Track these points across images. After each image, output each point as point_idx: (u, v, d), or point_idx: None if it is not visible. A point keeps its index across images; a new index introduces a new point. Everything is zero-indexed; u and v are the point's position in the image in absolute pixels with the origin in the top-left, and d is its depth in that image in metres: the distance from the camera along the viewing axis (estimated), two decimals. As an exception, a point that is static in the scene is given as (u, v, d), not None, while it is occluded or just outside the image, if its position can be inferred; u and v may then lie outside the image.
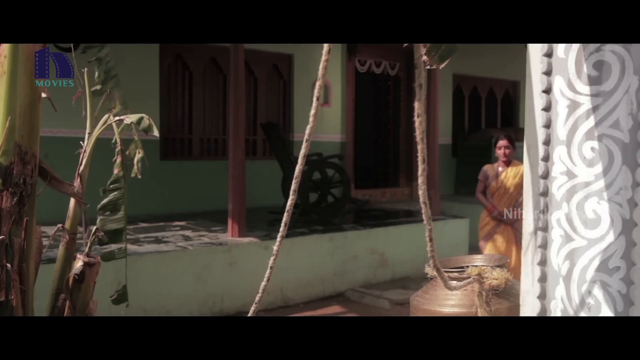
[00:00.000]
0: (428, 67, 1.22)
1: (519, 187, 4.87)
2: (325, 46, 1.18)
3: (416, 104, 1.18)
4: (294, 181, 1.33)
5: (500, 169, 5.27)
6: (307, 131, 1.23)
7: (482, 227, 5.31)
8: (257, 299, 1.55)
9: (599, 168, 1.41)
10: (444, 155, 9.57)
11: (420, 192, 1.29)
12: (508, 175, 5.20)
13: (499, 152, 5.25)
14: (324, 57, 1.18)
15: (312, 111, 1.22)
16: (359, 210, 7.63)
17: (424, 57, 1.19)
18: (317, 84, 1.21)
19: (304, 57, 8.42)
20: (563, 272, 1.47)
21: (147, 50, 7.14)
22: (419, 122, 1.19)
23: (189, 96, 7.81)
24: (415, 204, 8.31)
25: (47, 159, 2.28)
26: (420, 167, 1.26)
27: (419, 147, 1.24)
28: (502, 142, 5.25)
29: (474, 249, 6.66)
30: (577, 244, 1.45)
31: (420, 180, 1.28)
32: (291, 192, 1.38)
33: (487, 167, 5.39)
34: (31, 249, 1.99)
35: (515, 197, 5.13)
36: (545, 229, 1.50)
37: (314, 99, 1.22)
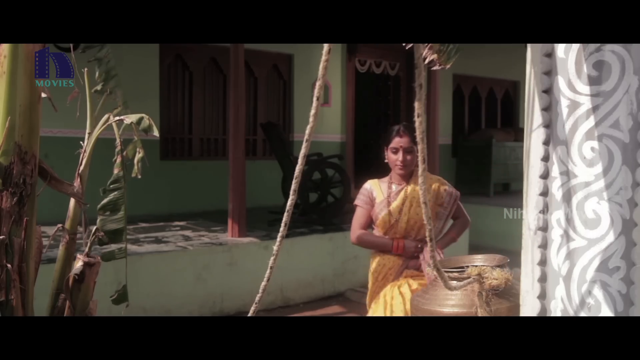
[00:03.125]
0: (436, 67, 1.22)
1: (431, 219, 2.48)
2: (325, 46, 1.18)
3: (416, 104, 1.18)
4: (294, 181, 1.33)
5: (394, 187, 2.97)
6: (307, 131, 1.23)
7: (374, 286, 3.12)
8: (257, 299, 1.55)
9: (599, 168, 1.41)
10: (444, 155, 9.57)
11: (420, 192, 1.29)
12: (408, 198, 2.91)
13: (393, 158, 2.93)
14: (324, 57, 1.17)
15: (312, 111, 1.22)
16: (359, 210, 7.61)
17: (434, 57, 1.19)
18: (317, 84, 1.21)
19: (304, 57, 8.42)
20: (563, 272, 1.47)
21: (147, 50, 7.14)
22: (419, 122, 1.19)
23: (189, 96, 7.82)
24: (415, 204, 8.30)
25: (47, 159, 2.28)
26: (420, 167, 1.26)
27: (419, 147, 1.24)
28: (400, 140, 2.90)
29: (474, 249, 6.66)
30: (577, 244, 1.45)
31: (420, 180, 1.28)
32: (291, 192, 1.38)
33: (371, 184, 3.06)
34: (31, 249, 1.99)
35: (421, 237, 2.90)
36: (545, 229, 1.50)
37: (314, 99, 1.22)
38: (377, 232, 3.02)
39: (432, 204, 2.89)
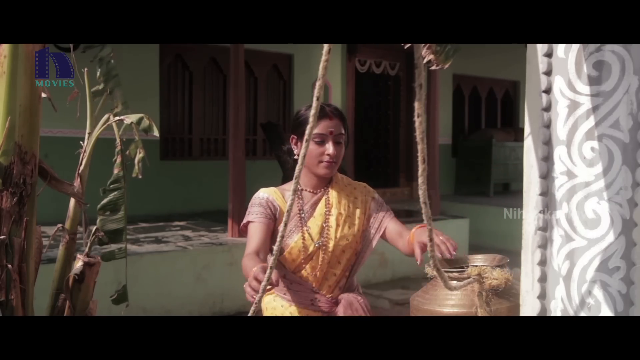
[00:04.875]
0: (434, 67, 1.21)
1: (358, 244, 2.06)
2: (325, 46, 1.18)
3: (416, 104, 1.18)
4: (294, 181, 1.33)
5: (307, 197, 2.06)
6: (307, 131, 1.23)
7: None
8: (257, 299, 1.55)
9: (599, 168, 1.41)
10: (444, 155, 9.57)
11: (420, 192, 1.29)
12: (335, 209, 2.03)
13: (316, 152, 1.97)
14: (324, 57, 1.17)
15: (312, 111, 1.21)
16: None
17: (431, 57, 1.19)
18: (317, 84, 1.21)
19: (304, 57, 8.42)
20: (563, 272, 1.47)
21: (147, 50, 7.14)
22: (419, 122, 1.19)
23: (189, 96, 7.82)
24: (415, 204, 8.30)
25: (47, 159, 2.28)
26: (420, 167, 1.26)
27: (419, 147, 1.24)
28: (330, 123, 2.00)
29: (474, 249, 6.66)
30: (577, 244, 1.45)
31: (420, 180, 1.28)
32: (291, 192, 1.38)
33: (269, 193, 2.06)
34: (31, 249, 1.99)
35: (346, 267, 2.06)
36: (545, 229, 1.50)
37: (314, 99, 1.22)
38: (285, 264, 2.07)
39: (359, 230, 2.06)
